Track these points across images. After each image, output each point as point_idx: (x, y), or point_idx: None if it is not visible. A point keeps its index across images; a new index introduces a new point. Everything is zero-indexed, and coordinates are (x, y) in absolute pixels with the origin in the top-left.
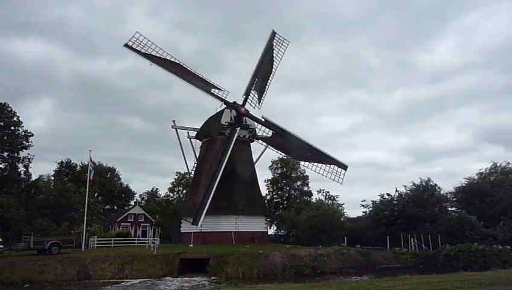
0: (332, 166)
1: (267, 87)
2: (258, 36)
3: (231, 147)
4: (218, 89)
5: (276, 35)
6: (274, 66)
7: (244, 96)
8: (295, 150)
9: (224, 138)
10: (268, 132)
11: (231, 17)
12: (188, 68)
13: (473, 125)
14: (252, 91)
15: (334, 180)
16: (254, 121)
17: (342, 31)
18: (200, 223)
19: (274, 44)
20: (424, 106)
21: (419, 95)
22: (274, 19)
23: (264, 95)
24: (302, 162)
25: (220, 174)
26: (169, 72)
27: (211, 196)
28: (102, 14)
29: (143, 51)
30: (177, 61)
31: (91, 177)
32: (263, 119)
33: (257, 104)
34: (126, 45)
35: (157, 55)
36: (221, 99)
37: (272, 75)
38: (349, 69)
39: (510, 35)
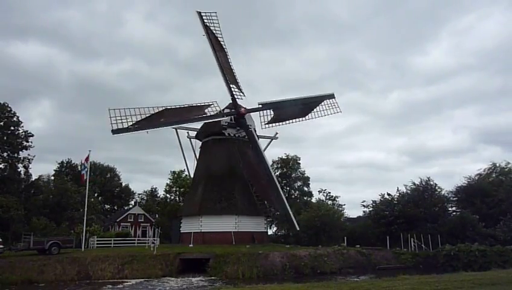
0: (323, 103)
1: (235, 74)
2: (254, 39)
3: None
4: (209, 105)
5: (202, 14)
6: (225, 47)
7: (231, 96)
8: (290, 112)
9: (224, 138)
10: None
11: (227, 21)
12: (174, 107)
13: (470, 126)
14: (231, 86)
15: (333, 112)
16: (255, 113)
17: (337, 34)
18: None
19: (208, 25)
20: (421, 107)
21: (415, 97)
22: (270, 22)
23: (239, 82)
24: (301, 118)
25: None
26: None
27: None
28: (100, 18)
29: (129, 126)
30: (162, 107)
31: (83, 175)
32: (261, 106)
33: (242, 95)
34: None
35: (139, 118)
36: (221, 116)
37: (229, 58)
38: (345, 71)
39: (503, 38)
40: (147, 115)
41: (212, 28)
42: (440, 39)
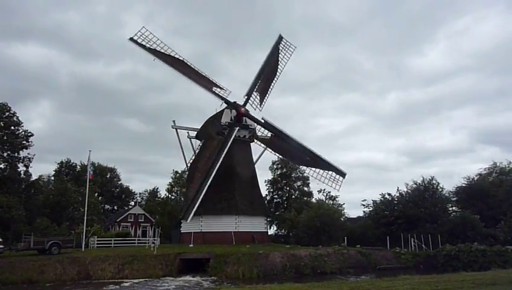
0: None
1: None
2: (252, 41)
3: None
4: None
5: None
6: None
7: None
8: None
9: (223, 137)
10: (267, 134)
11: (226, 23)
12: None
13: (468, 126)
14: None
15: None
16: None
17: (335, 36)
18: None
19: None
20: (419, 108)
21: (413, 98)
22: (268, 24)
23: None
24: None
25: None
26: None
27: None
28: (100, 20)
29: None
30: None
31: (91, 174)
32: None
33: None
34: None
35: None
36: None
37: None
38: (343, 73)
39: (500, 40)
40: (166, 53)
41: (281, 54)
42: (437, 41)
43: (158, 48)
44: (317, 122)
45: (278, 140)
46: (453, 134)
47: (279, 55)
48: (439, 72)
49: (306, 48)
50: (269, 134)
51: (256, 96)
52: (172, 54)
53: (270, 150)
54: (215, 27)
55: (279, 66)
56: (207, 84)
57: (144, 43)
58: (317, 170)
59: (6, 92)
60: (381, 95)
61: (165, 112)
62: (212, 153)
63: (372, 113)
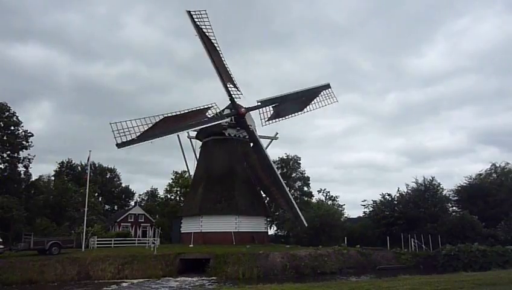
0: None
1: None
2: (251, 43)
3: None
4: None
5: (192, 13)
6: (217, 47)
7: (229, 97)
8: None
9: (224, 138)
10: (267, 134)
11: (224, 24)
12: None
13: (467, 127)
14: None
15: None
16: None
17: (333, 37)
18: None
19: (199, 24)
20: (418, 108)
21: (412, 98)
22: (267, 25)
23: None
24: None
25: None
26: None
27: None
28: (99, 21)
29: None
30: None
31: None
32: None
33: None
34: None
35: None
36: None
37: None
38: (342, 73)
39: (498, 41)
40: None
41: (203, 27)
42: (435, 41)
43: (204, 30)
44: (317, 123)
45: (277, 107)
46: (452, 134)
47: (202, 30)
48: (438, 73)
49: (305, 48)
50: (268, 134)
51: (232, 88)
52: (214, 42)
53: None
54: (214, 28)
55: (213, 42)
56: (197, 116)
57: (128, 138)
58: (313, 102)
59: (6, 93)
60: (380, 95)
61: (164, 112)
62: (216, 155)
63: (371, 113)
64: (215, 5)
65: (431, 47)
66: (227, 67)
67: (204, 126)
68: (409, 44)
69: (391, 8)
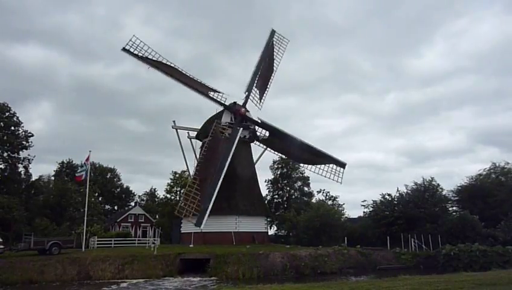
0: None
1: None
2: (251, 43)
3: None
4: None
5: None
6: (274, 65)
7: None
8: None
9: (224, 138)
10: (266, 133)
11: (224, 25)
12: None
13: (467, 127)
14: (253, 88)
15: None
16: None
17: (333, 38)
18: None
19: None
20: (418, 108)
21: (412, 98)
22: (266, 25)
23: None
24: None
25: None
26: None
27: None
28: (99, 22)
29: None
30: (175, 66)
31: (81, 177)
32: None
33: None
34: (124, 49)
35: (154, 59)
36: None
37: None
38: (341, 74)
39: (497, 42)
40: (159, 60)
41: (276, 48)
42: (434, 42)
43: (150, 56)
44: (317, 123)
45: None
46: (452, 134)
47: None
48: (437, 73)
49: (305, 48)
50: (267, 133)
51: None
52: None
53: (270, 150)
54: (213, 28)
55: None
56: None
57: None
58: (318, 165)
59: (7, 93)
60: (380, 95)
61: (164, 112)
62: (216, 155)
63: (371, 113)
64: (215, 5)
65: (430, 47)
66: (196, 79)
67: (205, 120)
68: (408, 44)
69: (390, 9)
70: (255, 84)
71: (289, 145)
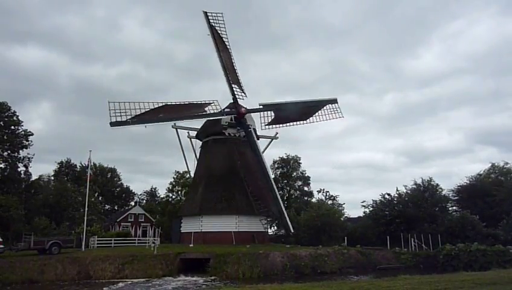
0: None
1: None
2: (248, 45)
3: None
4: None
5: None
6: (226, 43)
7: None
8: (294, 114)
9: (224, 138)
10: (266, 133)
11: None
12: (174, 103)
13: (465, 127)
14: (233, 86)
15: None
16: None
17: (331, 39)
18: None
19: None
20: (416, 109)
21: (410, 99)
22: (264, 27)
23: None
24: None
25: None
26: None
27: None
28: (98, 23)
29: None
30: (161, 104)
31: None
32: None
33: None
34: (111, 124)
35: (142, 111)
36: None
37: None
38: (339, 75)
39: (494, 43)
40: (147, 110)
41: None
42: (431, 43)
43: (138, 112)
44: (315, 124)
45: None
46: (450, 135)
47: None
48: (434, 74)
49: (302, 50)
50: (268, 134)
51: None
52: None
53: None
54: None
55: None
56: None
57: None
58: (316, 114)
59: (7, 94)
60: (378, 96)
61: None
62: (217, 155)
63: (369, 114)
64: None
65: (427, 49)
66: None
67: (205, 120)
68: (406, 45)
69: (387, 10)
70: (231, 82)
71: (289, 112)
